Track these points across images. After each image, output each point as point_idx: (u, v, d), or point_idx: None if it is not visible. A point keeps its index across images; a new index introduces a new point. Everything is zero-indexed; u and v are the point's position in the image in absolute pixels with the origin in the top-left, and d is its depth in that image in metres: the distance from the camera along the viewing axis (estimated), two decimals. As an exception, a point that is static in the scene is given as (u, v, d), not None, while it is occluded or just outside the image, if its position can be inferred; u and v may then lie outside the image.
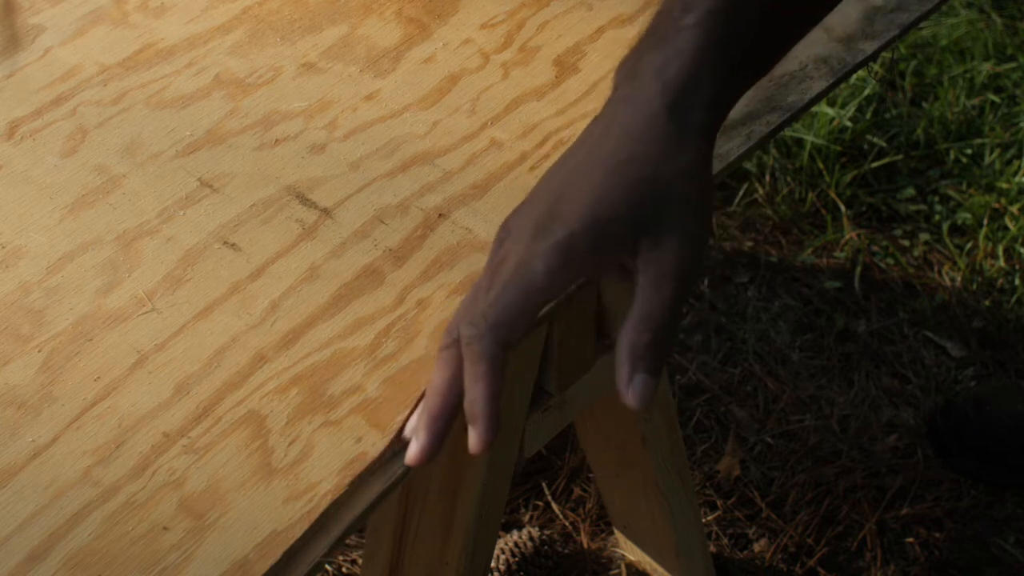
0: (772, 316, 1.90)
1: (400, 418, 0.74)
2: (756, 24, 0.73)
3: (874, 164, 2.09)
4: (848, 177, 2.07)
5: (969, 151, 2.14)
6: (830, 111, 2.12)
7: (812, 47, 0.99)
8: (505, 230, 0.72)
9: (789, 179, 2.08)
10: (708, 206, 0.71)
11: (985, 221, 2.01)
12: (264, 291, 0.81)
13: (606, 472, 1.42)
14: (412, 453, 0.71)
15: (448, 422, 0.71)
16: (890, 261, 1.98)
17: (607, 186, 0.70)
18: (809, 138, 2.08)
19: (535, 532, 1.56)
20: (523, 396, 1.07)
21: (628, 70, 0.74)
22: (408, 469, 0.73)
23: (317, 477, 0.71)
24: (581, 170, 0.71)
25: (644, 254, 0.69)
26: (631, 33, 1.00)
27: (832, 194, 2.05)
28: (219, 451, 0.72)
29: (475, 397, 0.69)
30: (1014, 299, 1.92)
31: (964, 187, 2.09)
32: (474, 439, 0.69)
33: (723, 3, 0.72)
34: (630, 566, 1.56)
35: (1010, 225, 2.01)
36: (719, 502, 1.66)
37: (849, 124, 2.12)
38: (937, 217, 2.05)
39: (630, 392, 0.68)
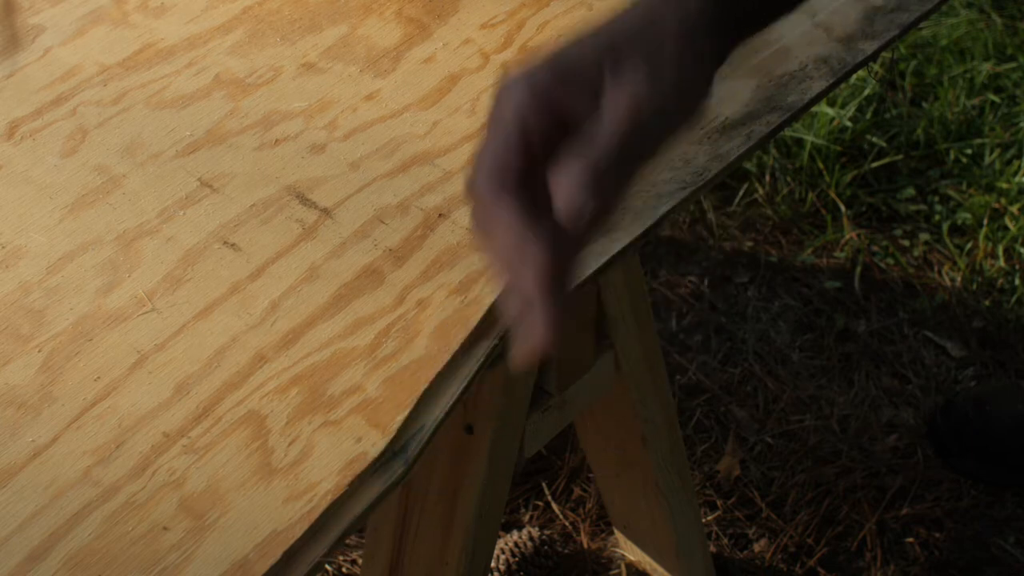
0: (772, 316, 1.90)
1: (400, 418, 0.74)
2: None
3: (874, 164, 2.09)
4: (848, 177, 2.07)
5: (969, 151, 2.14)
6: (830, 111, 2.12)
7: (812, 47, 0.99)
8: (495, 90, 0.68)
9: (789, 179, 2.08)
10: (692, 65, 0.66)
11: (985, 221, 2.01)
12: (264, 291, 0.81)
13: (606, 472, 1.42)
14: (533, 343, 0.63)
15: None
16: (890, 261, 1.98)
17: (581, 37, 0.67)
18: (809, 138, 2.08)
19: (535, 532, 1.56)
20: (523, 396, 1.07)
21: None
22: (408, 469, 0.73)
23: (317, 477, 0.71)
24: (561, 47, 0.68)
25: (608, 88, 0.64)
26: (631, 33, 1.00)
27: (832, 194, 2.05)
28: (219, 451, 0.72)
29: (510, 239, 0.63)
30: (1014, 299, 1.92)
31: (964, 187, 2.09)
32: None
33: None
34: (630, 566, 1.56)
35: (1010, 225, 2.01)
36: (719, 502, 1.66)
37: (849, 124, 2.12)
38: (937, 217, 2.05)
39: (560, 198, 0.62)
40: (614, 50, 0.66)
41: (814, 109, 2.11)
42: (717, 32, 0.68)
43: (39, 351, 0.77)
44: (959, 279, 1.96)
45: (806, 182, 2.08)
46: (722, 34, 0.69)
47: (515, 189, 0.64)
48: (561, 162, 0.63)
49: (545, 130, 0.66)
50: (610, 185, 0.63)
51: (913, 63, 2.27)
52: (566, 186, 0.63)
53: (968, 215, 2.04)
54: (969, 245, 2.00)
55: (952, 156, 2.13)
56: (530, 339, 0.62)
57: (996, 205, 2.04)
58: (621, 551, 1.57)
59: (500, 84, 0.67)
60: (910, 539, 1.64)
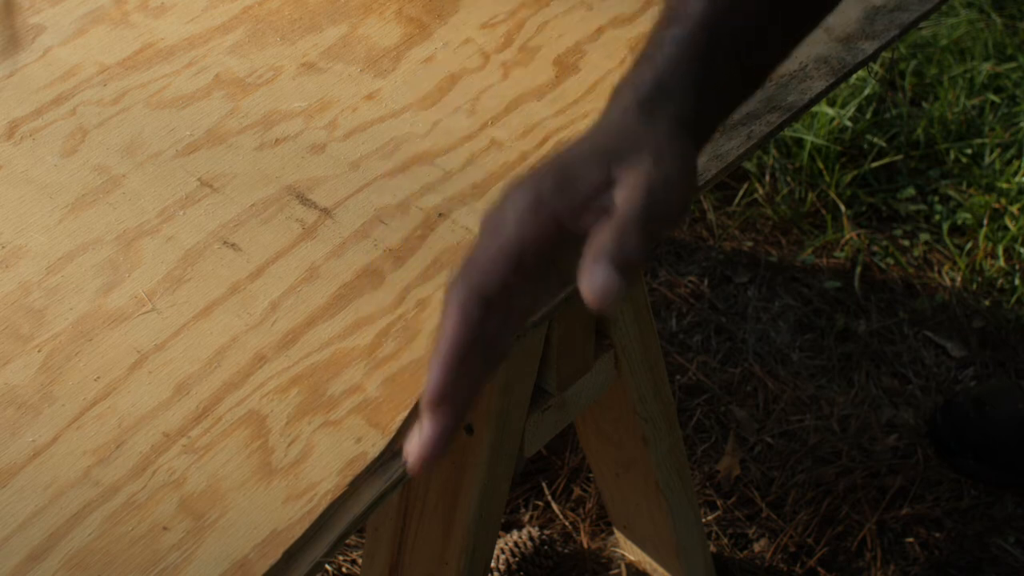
0: (772, 316, 1.90)
1: (400, 418, 0.74)
2: (747, 36, 0.73)
3: (874, 164, 2.09)
4: (848, 177, 2.07)
5: (969, 151, 2.14)
6: (830, 111, 2.12)
7: (812, 47, 0.99)
8: (485, 212, 0.70)
9: (789, 179, 2.08)
10: (685, 154, 0.70)
11: (985, 221, 2.01)
12: (264, 291, 0.81)
13: (606, 472, 1.42)
14: (411, 457, 0.65)
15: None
16: (890, 261, 1.98)
17: (575, 146, 0.70)
18: (809, 138, 2.08)
19: (535, 532, 1.56)
20: (523, 396, 1.07)
21: (614, 90, 0.74)
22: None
23: (317, 477, 0.71)
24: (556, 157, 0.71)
25: (618, 182, 0.68)
26: (631, 33, 1.00)
27: (832, 194, 2.05)
28: (219, 451, 0.72)
29: (439, 339, 0.65)
30: (1014, 299, 1.92)
31: (964, 187, 2.09)
32: (426, 385, 0.66)
33: (708, 18, 0.72)
34: (630, 566, 1.56)
35: (1010, 225, 2.01)
36: (719, 502, 1.66)
37: (849, 124, 2.12)
38: (937, 217, 2.05)
39: (586, 284, 0.65)
40: (613, 150, 0.69)
41: (814, 109, 2.11)
42: (699, 131, 0.73)
43: (39, 351, 0.77)
44: (959, 279, 1.96)
45: (806, 182, 2.08)
46: (702, 134, 0.74)
47: (482, 309, 0.66)
48: (589, 246, 0.66)
49: (541, 239, 0.68)
50: (627, 263, 0.66)
51: (913, 63, 2.27)
52: (596, 270, 0.65)
53: (968, 215, 2.04)
54: (969, 245, 2.00)
55: (952, 156, 2.13)
56: (417, 448, 0.64)
57: (996, 205, 2.04)
58: (621, 551, 1.57)
59: (505, 190, 0.69)
60: (910, 539, 1.64)
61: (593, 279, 0.65)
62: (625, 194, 0.67)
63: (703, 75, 0.72)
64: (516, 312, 0.69)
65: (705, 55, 0.72)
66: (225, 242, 0.84)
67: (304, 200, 0.87)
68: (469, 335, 0.66)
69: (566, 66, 0.97)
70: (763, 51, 0.76)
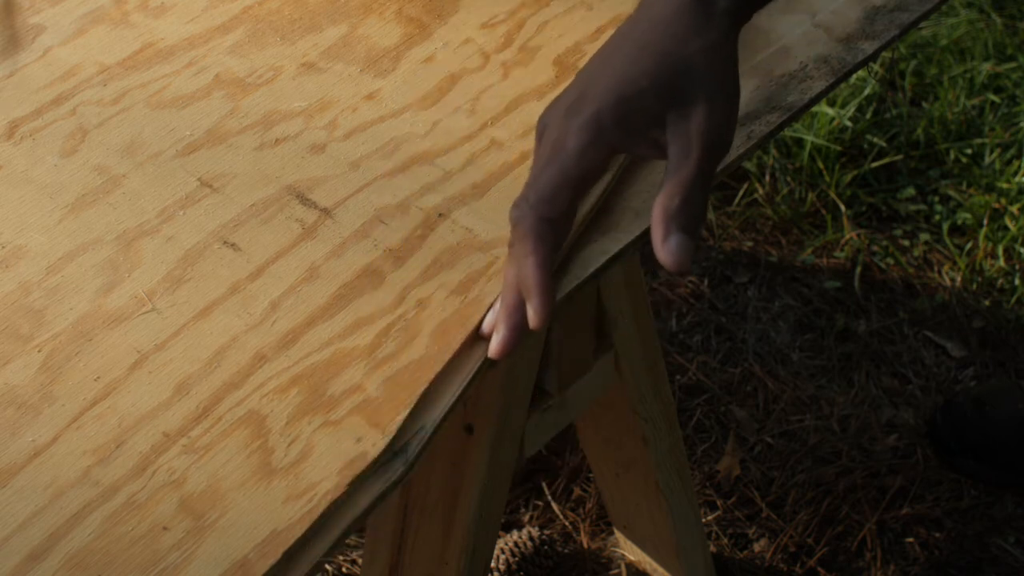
0: (772, 316, 1.90)
1: (400, 418, 0.74)
2: None
3: (874, 164, 2.09)
4: (848, 177, 2.07)
5: (969, 151, 2.14)
6: (830, 111, 2.12)
7: (812, 47, 0.99)
8: (542, 123, 0.77)
9: (789, 179, 2.08)
10: (734, 80, 0.75)
11: (985, 221, 2.01)
12: (264, 291, 0.81)
13: (606, 472, 1.42)
14: (494, 346, 0.76)
15: (525, 313, 0.75)
16: (890, 261, 1.98)
17: (633, 64, 0.74)
18: (809, 138, 2.08)
19: (535, 532, 1.56)
20: (523, 396, 1.07)
21: None
22: (408, 469, 0.73)
23: (317, 477, 0.71)
24: (608, 56, 0.76)
25: (672, 125, 0.73)
26: (631, 33, 1.00)
27: (832, 194, 2.05)
28: (219, 451, 0.72)
29: (526, 272, 0.74)
30: (1014, 299, 1.92)
31: (964, 187, 2.09)
32: (531, 314, 0.74)
33: None
34: (630, 566, 1.56)
35: (1010, 225, 2.01)
36: (719, 502, 1.66)
37: (849, 124, 2.12)
38: (937, 217, 2.05)
39: (665, 251, 0.71)
40: (672, 86, 0.73)
41: (814, 109, 2.11)
42: (742, 19, 0.77)
43: (39, 351, 0.77)
44: (959, 279, 1.96)
45: (806, 182, 2.08)
46: (743, 20, 0.78)
47: (551, 234, 0.74)
48: (658, 209, 0.72)
49: (600, 171, 0.75)
50: (696, 216, 0.72)
51: (913, 63, 2.27)
52: (661, 232, 0.72)
53: (968, 215, 2.04)
54: (969, 245, 2.00)
55: (952, 156, 2.13)
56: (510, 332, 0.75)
57: (996, 205, 2.04)
58: (621, 551, 1.57)
59: (564, 110, 0.75)
60: (910, 539, 1.64)
61: (669, 248, 0.72)
62: (680, 150, 0.72)
63: None
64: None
65: None
66: (225, 242, 0.84)
67: (304, 200, 0.87)
68: (549, 256, 0.74)
69: (566, 66, 0.97)
70: None
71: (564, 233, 0.76)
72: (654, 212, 0.72)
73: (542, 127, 0.77)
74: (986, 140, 2.13)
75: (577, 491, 1.66)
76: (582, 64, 0.97)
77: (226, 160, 0.89)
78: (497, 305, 0.78)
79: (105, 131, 0.91)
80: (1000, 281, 1.95)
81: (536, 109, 0.94)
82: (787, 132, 2.09)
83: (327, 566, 1.55)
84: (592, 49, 0.98)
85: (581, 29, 1.00)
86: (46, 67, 0.96)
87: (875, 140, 2.11)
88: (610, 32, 1.00)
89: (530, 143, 0.91)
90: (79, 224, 0.85)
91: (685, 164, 0.72)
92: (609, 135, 0.73)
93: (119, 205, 0.86)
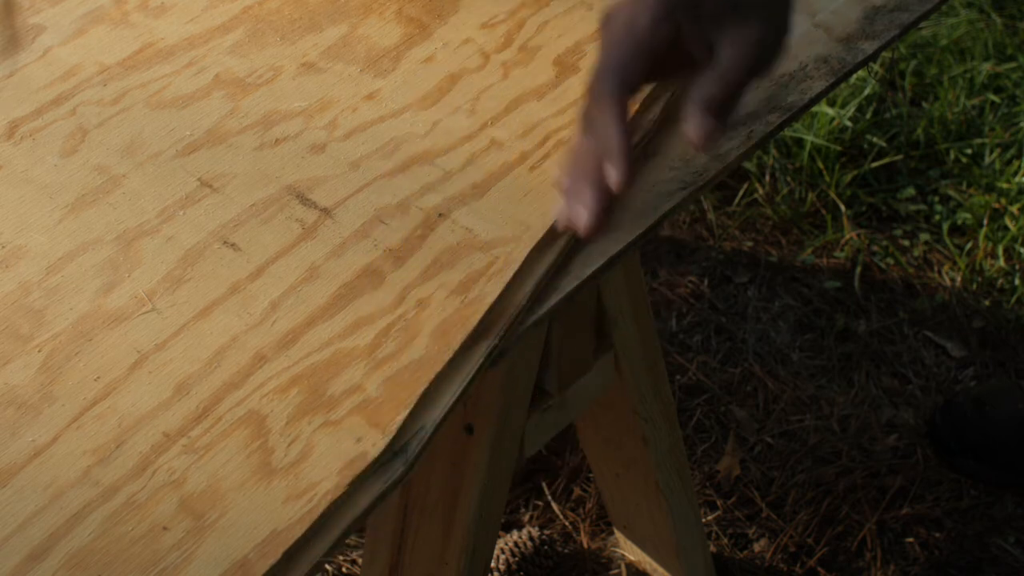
0: (772, 316, 1.90)
1: (400, 418, 0.74)
2: None
3: (874, 164, 2.09)
4: (848, 177, 2.07)
5: (969, 151, 2.14)
6: (830, 111, 2.12)
7: (812, 47, 0.99)
8: (606, 16, 0.80)
9: (789, 179, 2.08)
10: (787, 16, 0.80)
11: (985, 221, 2.01)
12: (264, 291, 0.81)
13: (606, 472, 1.42)
14: (584, 221, 0.79)
15: (605, 180, 0.79)
16: (890, 261, 1.99)
17: None
18: (809, 138, 2.08)
19: (535, 532, 1.56)
20: (523, 396, 1.07)
21: None
22: (408, 469, 0.73)
23: (317, 477, 0.71)
24: None
25: (731, 28, 0.77)
26: (631, 33, 1.00)
27: (832, 194, 2.05)
28: (219, 451, 0.72)
29: (608, 136, 0.77)
30: (1014, 299, 1.92)
31: (964, 187, 2.09)
32: (614, 177, 0.77)
33: None
34: (630, 566, 1.56)
35: (1010, 225, 2.01)
36: (719, 502, 1.66)
37: (849, 124, 2.12)
38: (937, 217, 2.05)
39: (695, 129, 0.76)
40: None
41: (814, 109, 2.11)
42: None
43: (39, 351, 0.77)
44: (959, 279, 1.96)
45: (806, 182, 2.08)
46: None
47: (628, 96, 0.78)
48: (691, 90, 0.77)
49: (667, 45, 0.78)
50: (728, 112, 0.78)
51: (913, 63, 2.27)
52: (697, 113, 0.77)
53: (968, 215, 2.04)
54: (969, 245, 2.00)
55: (952, 156, 2.13)
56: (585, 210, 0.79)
57: (996, 205, 2.04)
58: (621, 551, 1.57)
59: None
60: (910, 539, 1.64)
61: (700, 126, 0.77)
62: (733, 51, 0.77)
63: None
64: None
65: None
66: (225, 242, 0.84)
67: (304, 200, 0.87)
68: (627, 122, 0.77)
69: (566, 66, 0.97)
70: None
71: (629, 107, 0.79)
72: (692, 92, 0.77)
73: (606, 19, 0.80)
74: (986, 140, 2.13)
75: (577, 491, 1.66)
76: (583, 64, 0.97)
77: (226, 160, 0.89)
78: (566, 199, 0.81)
79: (105, 131, 0.91)
80: (1000, 281, 1.95)
81: (536, 109, 0.94)
82: (787, 132, 2.09)
83: (327, 566, 1.55)
84: (593, 49, 0.99)
85: (581, 29, 1.00)
86: (46, 67, 0.96)
87: (875, 140, 2.11)
88: (610, 32, 1.00)
89: (530, 143, 0.91)
90: (79, 224, 0.85)
91: (734, 64, 0.77)
92: (679, 13, 0.77)
93: (119, 205, 0.86)
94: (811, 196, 2.05)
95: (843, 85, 2.00)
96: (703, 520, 1.61)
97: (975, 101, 2.21)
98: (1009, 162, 2.11)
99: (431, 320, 0.79)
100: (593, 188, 0.78)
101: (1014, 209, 2.02)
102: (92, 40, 0.99)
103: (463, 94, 0.95)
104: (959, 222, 2.04)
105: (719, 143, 0.78)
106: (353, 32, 1.00)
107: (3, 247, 0.83)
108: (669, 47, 0.78)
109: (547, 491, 1.66)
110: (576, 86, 0.96)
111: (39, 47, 0.98)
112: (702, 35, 0.78)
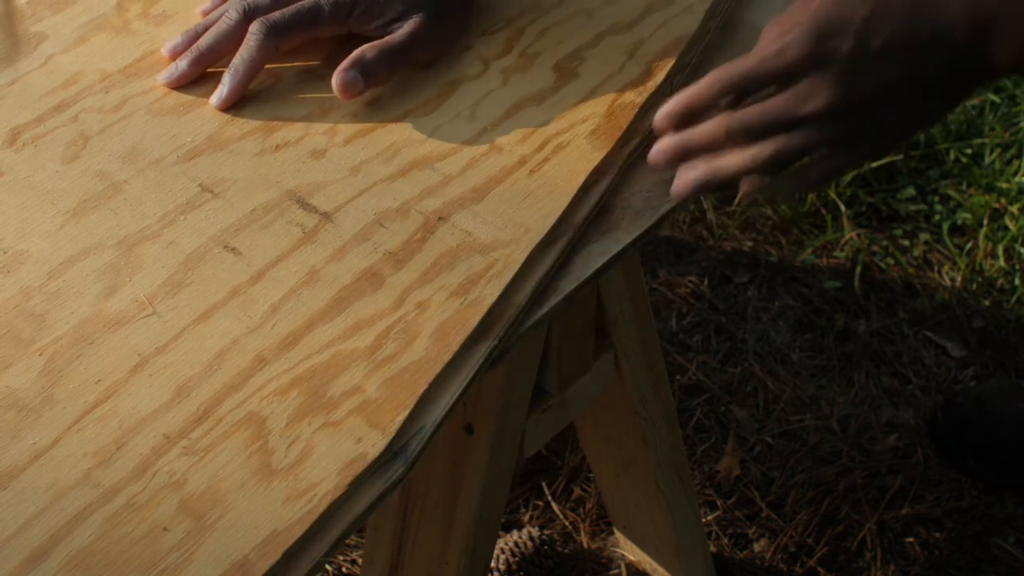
0: (772, 316, 1.90)
1: (400, 418, 0.75)
2: None
3: (874, 164, 2.10)
4: (848, 177, 2.07)
5: (969, 151, 2.14)
6: (830, 112, 2.12)
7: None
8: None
9: (789, 180, 2.08)
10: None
11: (985, 221, 2.02)
12: (264, 294, 0.81)
13: (606, 472, 1.42)
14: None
15: None
16: (890, 261, 1.99)
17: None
18: (809, 139, 2.08)
19: (535, 532, 1.57)
20: (523, 396, 1.07)
21: None
22: (408, 469, 0.74)
23: (317, 477, 0.72)
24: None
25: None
26: (630, 39, 1.00)
27: (832, 194, 2.06)
28: (219, 452, 0.73)
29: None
30: (1014, 299, 1.93)
31: (964, 187, 2.09)
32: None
33: None
34: (630, 566, 1.57)
35: (1010, 225, 2.01)
36: (719, 502, 1.67)
37: (849, 125, 2.12)
38: (937, 217, 2.05)
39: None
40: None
41: (814, 110, 2.11)
42: None
43: (40, 355, 0.78)
44: (959, 279, 1.96)
45: (806, 183, 2.08)
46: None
47: (734, 98, 0.84)
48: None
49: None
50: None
51: (913, 64, 2.27)
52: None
53: (968, 215, 2.04)
54: (969, 245, 2.00)
55: (952, 156, 2.13)
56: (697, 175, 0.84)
57: (996, 205, 2.04)
58: (621, 551, 1.58)
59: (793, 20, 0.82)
60: (910, 539, 1.64)
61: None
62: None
63: None
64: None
65: None
66: (226, 246, 0.84)
67: (304, 205, 0.87)
68: (708, 99, 0.84)
69: (566, 72, 0.98)
70: None
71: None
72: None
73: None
74: (986, 140, 2.14)
75: (577, 491, 1.66)
76: (582, 70, 0.98)
77: (227, 166, 0.90)
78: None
79: (106, 138, 0.92)
80: (1000, 281, 1.96)
81: (536, 114, 0.94)
82: (787, 133, 2.09)
83: (327, 566, 1.55)
84: (592, 55, 0.99)
85: (580, 35, 1.01)
86: (48, 75, 0.97)
87: (875, 141, 2.11)
88: (609, 38, 1.01)
89: (529, 147, 0.92)
90: (80, 229, 0.85)
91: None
92: (825, 41, 0.81)
93: (120, 210, 0.87)
94: (811, 196, 2.05)
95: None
96: (703, 520, 1.61)
97: (975, 101, 2.21)
98: (1009, 162, 2.11)
99: (431, 322, 0.80)
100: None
101: (1014, 209, 2.03)
102: (94, 48, 0.99)
103: (463, 100, 0.96)
104: (959, 222, 2.04)
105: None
106: (354, 39, 1.01)
107: (5, 252, 0.84)
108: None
109: (547, 491, 1.66)
110: (575, 92, 0.96)
111: (41, 55, 0.99)
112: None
